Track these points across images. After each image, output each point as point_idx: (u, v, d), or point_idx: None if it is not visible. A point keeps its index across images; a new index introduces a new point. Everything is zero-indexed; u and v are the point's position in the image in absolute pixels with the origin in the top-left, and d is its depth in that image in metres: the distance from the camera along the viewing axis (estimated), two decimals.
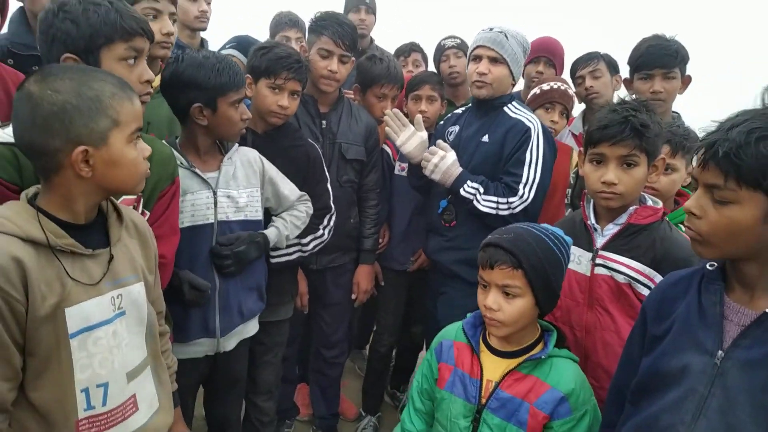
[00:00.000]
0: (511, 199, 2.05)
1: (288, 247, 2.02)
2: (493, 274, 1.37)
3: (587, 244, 1.60)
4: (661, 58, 2.30)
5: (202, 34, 2.85)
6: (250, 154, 1.87)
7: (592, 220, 1.61)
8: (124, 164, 1.08)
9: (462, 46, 2.97)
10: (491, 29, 2.13)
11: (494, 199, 2.06)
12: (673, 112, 2.41)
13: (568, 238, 1.45)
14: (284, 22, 3.13)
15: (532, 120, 2.14)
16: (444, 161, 2.11)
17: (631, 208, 1.54)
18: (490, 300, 1.36)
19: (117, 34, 1.28)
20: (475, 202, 2.07)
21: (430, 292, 2.37)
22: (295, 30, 3.10)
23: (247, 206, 1.81)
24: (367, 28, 3.54)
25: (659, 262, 1.48)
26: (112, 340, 1.12)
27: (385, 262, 2.60)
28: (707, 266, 1.06)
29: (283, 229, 1.91)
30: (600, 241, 1.57)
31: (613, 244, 1.55)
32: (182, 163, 1.69)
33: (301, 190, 2.03)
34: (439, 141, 2.19)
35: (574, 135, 2.82)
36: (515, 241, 1.36)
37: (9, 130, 1.15)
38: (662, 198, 1.85)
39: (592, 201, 1.64)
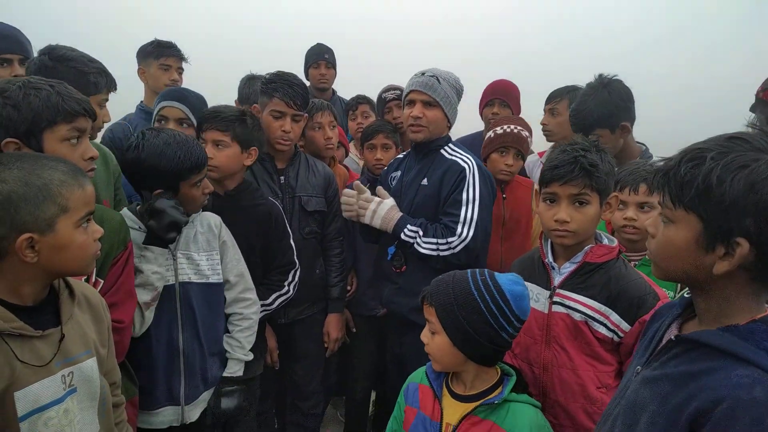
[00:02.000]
0: (450, 239, 2.07)
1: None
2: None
3: (545, 282, 1.61)
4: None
5: None
6: (212, 218, 1.89)
7: (550, 259, 1.63)
8: (71, 248, 1.10)
9: (402, 96, 3.03)
10: (423, 74, 2.19)
11: (434, 240, 2.08)
12: (639, 143, 2.44)
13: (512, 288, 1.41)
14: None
15: (467, 160, 2.17)
16: (381, 207, 2.14)
17: (586, 246, 1.56)
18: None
19: (59, 116, 1.31)
20: (416, 245, 2.09)
21: (393, 337, 2.36)
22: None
23: (208, 269, 1.82)
24: (327, 81, 3.69)
25: (614, 300, 1.49)
26: (64, 419, 1.11)
27: (354, 308, 2.60)
28: (685, 294, 1.09)
29: (243, 356, 1.92)
30: (557, 279, 1.58)
31: (570, 282, 1.56)
32: (141, 227, 1.70)
33: (264, 249, 2.06)
34: (379, 188, 2.22)
35: None
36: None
37: None
38: (642, 235, 1.89)
39: (549, 239, 1.66)
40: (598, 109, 2.29)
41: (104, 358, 1.26)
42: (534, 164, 2.91)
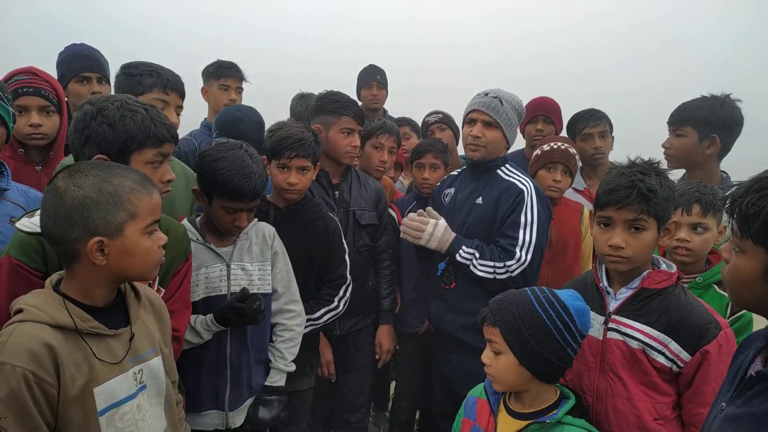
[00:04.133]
0: (508, 263, 2.04)
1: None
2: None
3: (599, 308, 1.57)
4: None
5: None
6: (267, 229, 1.94)
7: (605, 283, 1.59)
8: (138, 254, 1.15)
9: (444, 120, 3.08)
10: (486, 94, 2.20)
11: (491, 264, 2.06)
12: (722, 171, 2.40)
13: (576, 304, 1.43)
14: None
15: (525, 182, 2.16)
16: (438, 228, 2.13)
17: (644, 272, 1.52)
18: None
19: (149, 140, 1.38)
20: (471, 267, 2.07)
21: (439, 355, 2.35)
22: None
23: (260, 279, 1.87)
24: (379, 102, 3.77)
25: (674, 328, 1.44)
26: (137, 413, 1.18)
27: (397, 326, 2.60)
28: None
29: (284, 367, 1.94)
30: (613, 305, 1.55)
31: (626, 309, 1.52)
32: (198, 239, 1.79)
33: (321, 262, 2.10)
34: (429, 208, 2.22)
35: (577, 191, 2.84)
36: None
37: (35, 219, 1.25)
38: (695, 257, 1.85)
39: (604, 264, 1.63)
40: (701, 109, 2.30)
41: (168, 357, 1.33)
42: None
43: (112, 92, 2.21)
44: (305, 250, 2.07)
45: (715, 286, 1.84)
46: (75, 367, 1.07)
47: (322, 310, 2.14)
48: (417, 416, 2.95)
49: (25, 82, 2.07)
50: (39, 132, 2.08)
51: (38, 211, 1.24)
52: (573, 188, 2.82)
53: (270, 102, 3.37)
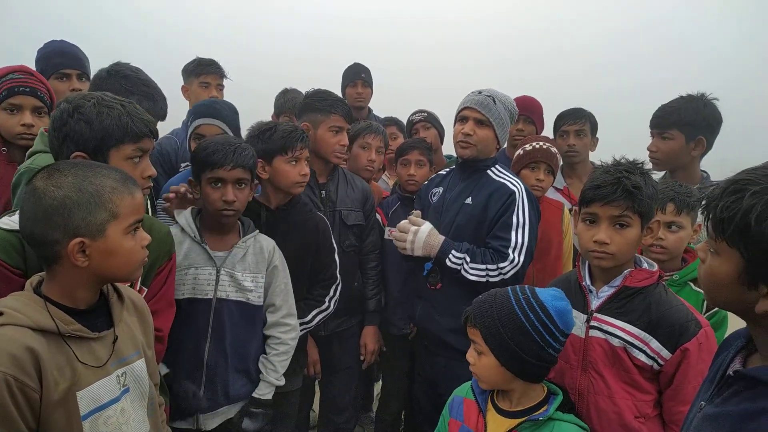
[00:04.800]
0: (501, 265, 2.03)
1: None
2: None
3: (582, 306, 1.58)
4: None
5: None
6: (266, 242, 1.92)
7: (587, 281, 1.60)
8: (120, 254, 1.14)
9: (429, 119, 3.08)
10: (480, 92, 2.19)
11: (482, 267, 2.05)
12: (702, 171, 2.44)
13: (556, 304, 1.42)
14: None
15: (516, 183, 2.16)
16: (418, 236, 2.11)
17: (626, 270, 1.53)
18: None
19: (127, 136, 1.36)
20: (462, 271, 2.06)
21: (424, 357, 2.33)
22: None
23: (251, 291, 1.85)
24: (364, 100, 3.74)
25: (655, 326, 1.46)
26: (121, 417, 1.17)
27: (383, 326, 2.59)
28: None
29: (275, 381, 1.92)
30: (595, 303, 1.56)
31: (608, 307, 1.53)
32: (195, 236, 1.77)
33: (313, 262, 2.10)
34: (410, 217, 2.19)
35: (557, 189, 2.87)
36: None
37: (16, 217, 1.22)
38: (670, 255, 1.88)
39: (587, 262, 1.63)
40: (686, 112, 2.32)
41: (151, 359, 1.31)
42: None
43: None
44: (297, 250, 2.06)
45: (691, 284, 1.88)
46: (58, 371, 1.05)
47: (313, 312, 2.14)
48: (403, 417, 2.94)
49: (22, 81, 2.04)
50: (30, 132, 2.04)
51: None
52: (553, 186, 2.85)
53: (252, 100, 3.34)
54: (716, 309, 1.77)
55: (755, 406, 0.85)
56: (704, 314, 1.75)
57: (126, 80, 1.84)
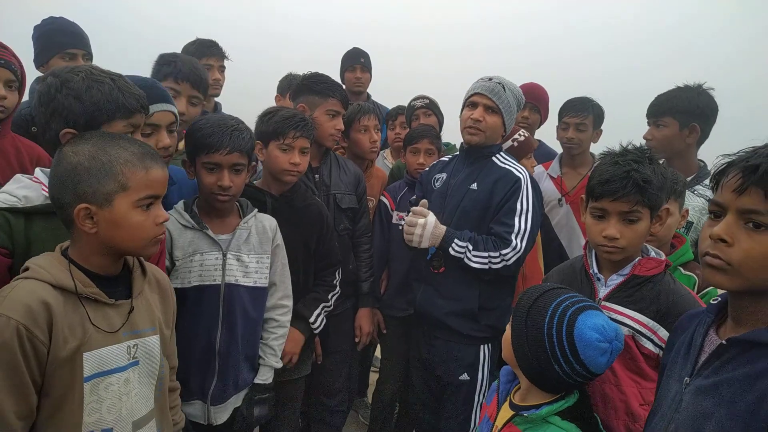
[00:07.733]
0: (504, 251, 2.05)
1: (320, 314, 2.11)
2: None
3: (589, 294, 1.58)
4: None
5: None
6: (267, 221, 1.89)
7: (595, 270, 1.60)
8: (125, 227, 1.13)
9: (430, 106, 3.06)
10: (490, 79, 2.19)
11: (485, 254, 2.07)
12: (700, 160, 2.45)
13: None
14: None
15: (521, 171, 2.18)
16: (426, 228, 2.12)
17: (635, 259, 1.53)
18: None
19: (118, 111, 1.31)
20: (465, 260, 2.08)
21: (421, 340, 2.35)
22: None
23: (256, 272, 1.83)
24: (363, 85, 3.74)
25: (663, 314, 1.46)
26: (123, 387, 1.17)
27: (386, 309, 2.61)
28: (711, 300, 1.07)
29: (275, 364, 1.92)
30: (603, 292, 1.56)
31: (617, 296, 1.53)
32: (194, 226, 1.73)
33: (317, 248, 2.10)
34: (414, 208, 2.19)
35: (552, 178, 2.88)
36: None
37: (2, 196, 1.23)
38: (660, 243, 1.87)
39: (594, 250, 1.64)
40: (679, 100, 2.34)
41: (167, 340, 1.32)
42: (540, 176, 2.89)
43: None
44: (304, 235, 2.05)
45: (680, 268, 1.89)
46: (69, 329, 1.07)
47: (330, 294, 2.17)
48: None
49: None
50: (2, 104, 1.98)
51: (6, 186, 1.26)
52: (549, 174, 2.86)
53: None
54: (706, 290, 1.79)
55: (757, 367, 0.88)
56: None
57: None
